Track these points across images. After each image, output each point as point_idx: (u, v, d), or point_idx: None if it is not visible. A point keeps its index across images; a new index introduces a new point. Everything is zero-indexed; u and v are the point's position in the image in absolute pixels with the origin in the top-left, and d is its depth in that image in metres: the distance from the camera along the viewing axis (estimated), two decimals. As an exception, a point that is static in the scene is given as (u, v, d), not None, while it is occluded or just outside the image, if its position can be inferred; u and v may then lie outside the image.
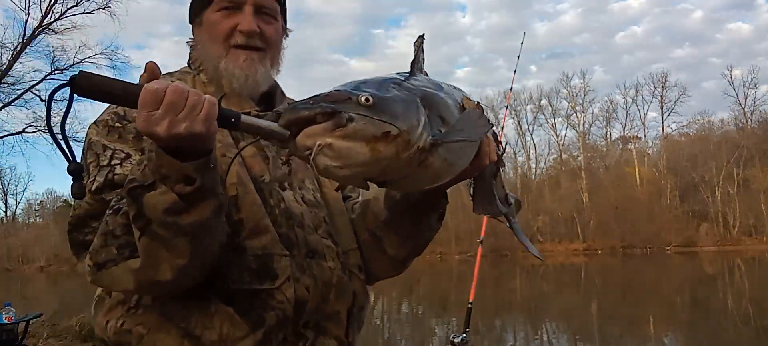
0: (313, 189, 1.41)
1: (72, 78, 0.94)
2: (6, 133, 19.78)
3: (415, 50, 1.31)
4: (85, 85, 0.94)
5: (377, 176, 1.02)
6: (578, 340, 12.36)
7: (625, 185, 54.77)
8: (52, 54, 19.58)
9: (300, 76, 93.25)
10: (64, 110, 1.00)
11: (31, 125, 19.66)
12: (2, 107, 19.18)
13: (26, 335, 8.48)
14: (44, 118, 1.05)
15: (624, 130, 61.41)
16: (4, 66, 18.56)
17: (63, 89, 0.97)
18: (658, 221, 50.02)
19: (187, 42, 1.47)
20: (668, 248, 47.64)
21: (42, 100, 19.48)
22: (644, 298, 19.21)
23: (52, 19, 19.14)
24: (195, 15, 1.44)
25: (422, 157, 1.01)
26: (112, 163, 1.20)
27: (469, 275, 4.25)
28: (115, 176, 1.18)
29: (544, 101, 61.87)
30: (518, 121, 61.27)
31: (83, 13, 19.35)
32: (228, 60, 1.35)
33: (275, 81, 1.46)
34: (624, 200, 51.60)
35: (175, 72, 1.44)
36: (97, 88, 0.94)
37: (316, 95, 0.99)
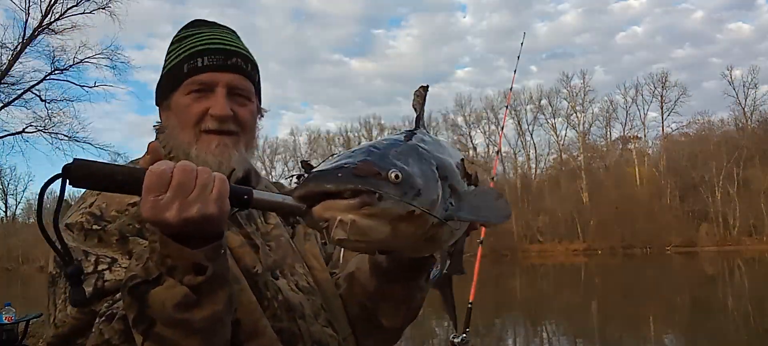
0: (305, 273, 1.35)
1: (65, 168, 0.85)
2: (6, 133, 19.81)
3: (418, 103, 1.27)
4: (81, 175, 0.85)
5: (387, 249, 1.00)
6: (578, 340, 12.35)
7: (625, 185, 54.78)
8: (52, 54, 19.60)
9: (301, 77, 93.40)
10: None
11: (31, 125, 19.65)
12: (2, 107, 19.19)
13: (26, 335, 8.48)
14: (36, 208, 0.90)
15: (624, 130, 61.54)
16: (4, 66, 18.57)
17: (56, 181, 0.87)
18: (658, 221, 50.02)
19: (154, 126, 1.37)
20: (668, 248, 47.65)
21: (42, 100, 19.54)
22: (644, 298, 19.20)
23: (52, 19, 19.21)
24: (162, 98, 1.34)
25: (433, 231, 0.99)
26: (99, 269, 1.08)
27: (469, 275, 4.24)
28: (106, 283, 1.06)
29: (544, 101, 62.00)
30: (518, 121, 61.41)
31: (83, 13, 19.42)
32: (199, 146, 1.26)
33: (250, 164, 1.37)
34: (624, 200, 51.60)
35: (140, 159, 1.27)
36: (95, 176, 0.86)
37: (341, 166, 0.93)
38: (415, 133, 1.15)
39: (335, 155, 0.99)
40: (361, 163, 0.93)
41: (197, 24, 1.40)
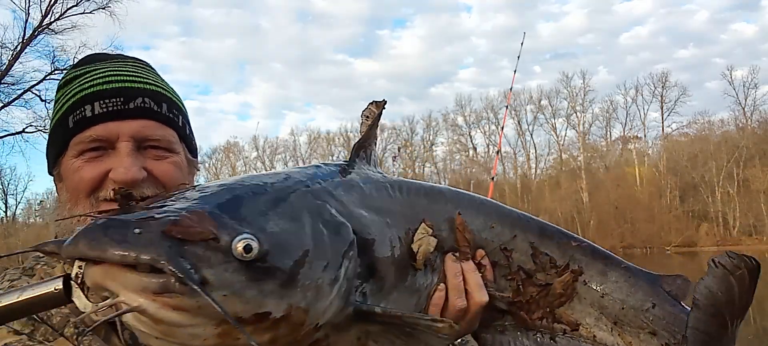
0: None
1: None
2: (6, 133, 19.85)
3: (366, 123, 0.88)
4: None
5: None
6: (578, 340, 12.35)
7: (625, 185, 54.73)
8: (52, 54, 19.67)
9: (305, 77, 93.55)
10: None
11: (31, 125, 19.70)
12: (2, 107, 19.22)
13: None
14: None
15: (624, 130, 61.48)
16: (4, 66, 18.61)
17: None
18: (658, 221, 50.01)
19: (56, 204, 1.05)
20: (668, 248, 47.61)
21: (42, 100, 19.56)
22: (644, 298, 19.21)
23: (52, 19, 19.26)
24: (52, 164, 1.04)
25: (325, 333, 0.65)
26: None
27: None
28: None
29: (544, 101, 61.94)
30: (518, 121, 61.31)
31: (83, 13, 19.47)
32: None
33: None
34: (624, 199, 51.57)
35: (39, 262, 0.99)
36: None
37: (148, 217, 0.58)
38: (346, 169, 0.80)
39: (179, 192, 0.67)
40: (188, 215, 0.59)
41: (92, 59, 1.06)
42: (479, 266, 0.93)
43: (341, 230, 0.67)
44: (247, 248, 0.57)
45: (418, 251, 0.80)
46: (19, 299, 0.63)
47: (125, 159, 0.94)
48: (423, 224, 0.82)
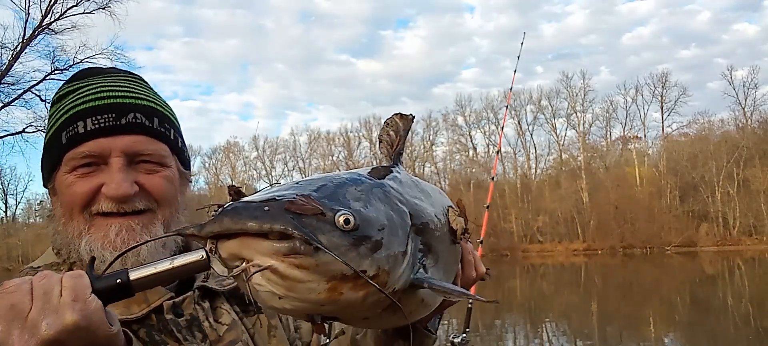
0: None
1: None
2: (6, 133, 19.87)
3: (394, 134, 1.03)
4: None
5: (325, 314, 0.80)
6: (578, 340, 12.36)
7: (625, 185, 54.74)
8: (53, 54, 19.69)
9: (307, 78, 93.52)
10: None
11: (31, 125, 19.74)
12: (2, 107, 19.24)
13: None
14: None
15: (624, 130, 61.47)
16: (4, 66, 18.61)
17: None
18: (658, 221, 50.01)
19: (47, 214, 1.10)
20: (668, 248, 47.60)
21: (42, 100, 19.58)
22: (644, 298, 19.21)
23: (52, 19, 19.28)
24: (47, 179, 1.06)
25: (398, 297, 0.79)
26: None
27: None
28: None
29: (544, 101, 61.94)
30: (518, 121, 61.30)
31: (83, 13, 19.48)
32: (92, 235, 0.98)
33: (176, 245, 1.06)
34: (624, 200, 51.58)
35: (38, 266, 1.07)
36: None
37: (271, 198, 0.73)
38: (391, 171, 0.95)
39: (279, 185, 0.82)
40: (300, 197, 0.74)
41: (85, 75, 1.09)
42: None
43: (404, 215, 0.84)
44: (347, 221, 0.73)
45: (457, 229, 0.95)
46: (173, 266, 0.79)
47: (117, 175, 0.97)
48: (450, 208, 0.98)
